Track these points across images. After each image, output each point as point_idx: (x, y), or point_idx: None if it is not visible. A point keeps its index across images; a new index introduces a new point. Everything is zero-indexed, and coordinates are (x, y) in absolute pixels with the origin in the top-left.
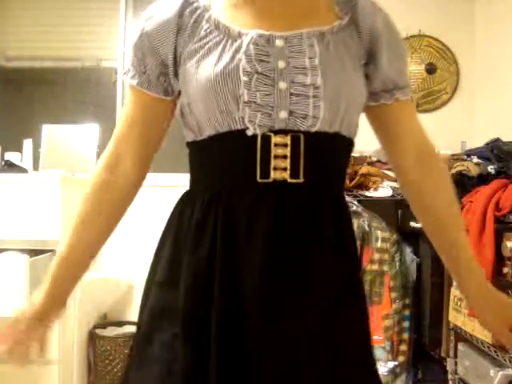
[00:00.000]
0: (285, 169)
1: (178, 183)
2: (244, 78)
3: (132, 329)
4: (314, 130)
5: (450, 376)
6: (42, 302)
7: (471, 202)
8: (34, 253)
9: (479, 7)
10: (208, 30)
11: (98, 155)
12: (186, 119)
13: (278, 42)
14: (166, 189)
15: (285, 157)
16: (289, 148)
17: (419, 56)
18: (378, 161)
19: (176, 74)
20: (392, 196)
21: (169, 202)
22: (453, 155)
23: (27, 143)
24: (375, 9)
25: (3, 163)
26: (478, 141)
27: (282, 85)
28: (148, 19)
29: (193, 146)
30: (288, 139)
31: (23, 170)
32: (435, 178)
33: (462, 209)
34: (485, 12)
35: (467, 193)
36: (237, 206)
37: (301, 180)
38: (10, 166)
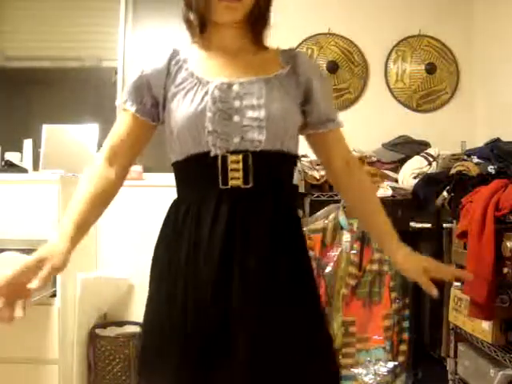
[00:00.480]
0: (238, 178)
1: None
2: (209, 115)
3: (132, 329)
4: (258, 149)
5: (449, 376)
6: (65, 241)
7: (471, 202)
8: (33, 253)
9: (479, 7)
10: (185, 78)
11: None
12: (170, 145)
13: (235, 87)
14: (165, 189)
15: (238, 170)
16: (241, 163)
17: (419, 56)
18: (378, 161)
19: (164, 108)
20: (392, 196)
21: (168, 202)
22: (453, 155)
23: (27, 143)
24: (311, 64)
25: (3, 163)
26: (478, 141)
27: (236, 118)
28: (146, 65)
29: (175, 165)
30: (240, 157)
31: (23, 170)
32: (357, 179)
33: (462, 209)
34: (484, 12)
35: (467, 193)
36: (205, 204)
37: (250, 186)
38: (10, 166)
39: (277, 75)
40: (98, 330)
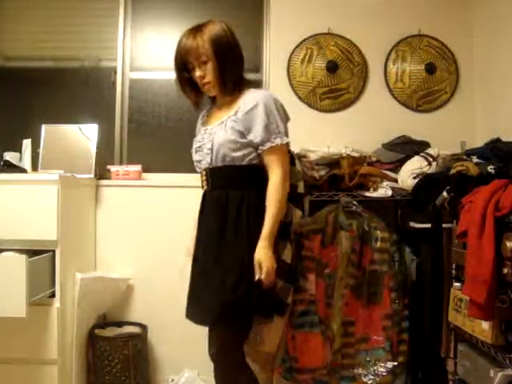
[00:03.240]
0: (206, 185)
1: (177, 184)
2: (194, 147)
3: (131, 329)
4: (210, 167)
5: (449, 376)
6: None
7: (471, 201)
8: (32, 253)
9: (479, 7)
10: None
11: (97, 155)
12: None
13: (208, 130)
14: (165, 189)
15: (206, 180)
16: (206, 176)
17: (419, 56)
18: (378, 161)
19: None
20: (392, 196)
21: (168, 202)
22: (453, 155)
23: (26, 143)
24: (248, 101)
25: (2, 163)
26: (478, 141)
27: (205, 150)
28: None
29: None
30: (205, 172)
31: (22, 170)
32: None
33: (461, 209)
34: (484, 12)
35: (467, 193)
36: (203, 201)
37: (210, 188)
38: (9, 166)
39: (224, 119)
40: (97, 331)
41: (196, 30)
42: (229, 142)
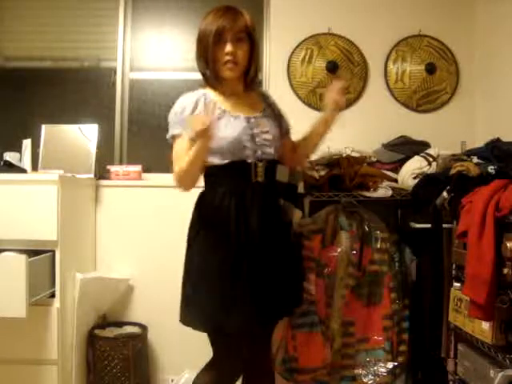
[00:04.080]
0: (261, 176)
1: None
2: (244, 137)
3: (131, 329)
4: (270, 158)
5: (449, 377)
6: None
7: (471, 202)
8: (32, 253)
9: (479, 7)
10: (219, 112)
11: (97, 155)
12: (212, 155)
13: (252, 120)
14: (164, 189)
15: (261, 171)
16: (263, 168)
17: (419, 56)
18: (378, 161)
19: None
20: (392, 196)
21: (168, 202)
22: (453, 155)
23: (26, 143)
24: (271, 96)
25: (2, 163)
26: (478, 141)
27: (258, 139)
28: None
29: (215, 167)
30: (263, 163)
31: (22, 170)
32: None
33: (462, 209)
34: (485, 12)
35: (467, 193)
36: (245, 193)
37: (266, 180)
38: (9, 166)
39: (263, 110)
40: (97, 331)
41: (236, 9)
42: (278, 135)
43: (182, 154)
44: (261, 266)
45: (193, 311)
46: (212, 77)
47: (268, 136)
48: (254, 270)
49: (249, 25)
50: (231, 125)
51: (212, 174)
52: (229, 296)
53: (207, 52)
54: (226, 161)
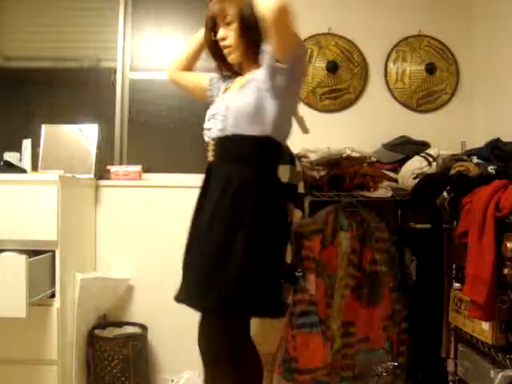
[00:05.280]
0: (212, 156)
1: (177, 184)
2: (209, 116)
3: (131, 329)
4: (222, 136)
5: (449, 377)
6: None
7: (471, 202)
8: (32, 253)
9: (479, 7)
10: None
11: (97, 155)
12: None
13: (225, 96)
14: (165, 189)
15: (213, 150)
16: (214, 146)
17: (419, 56)
18: (378, 161)
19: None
20: (392, 196)
21: (168, 202)
22: (453, 155)
23: (26, 143)
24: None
25: (2, 163)
26: (478, 141)
27: (218, 117)
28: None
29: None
30: (214, 142)
31: (22, 170)
32: None
33: (462, 209)
34: (484, 12)
35: (467, 193)
36: (206, 173)
37: (217, 159)
38: (9, 167)
39: (239, 87)
40: (97, 331)
41: None
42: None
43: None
44: (199, 245)
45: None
46: (228, 69)
47: (223, 111)
48: (193, 250)
49: (232, 6)
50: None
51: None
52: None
53: (210, 47)
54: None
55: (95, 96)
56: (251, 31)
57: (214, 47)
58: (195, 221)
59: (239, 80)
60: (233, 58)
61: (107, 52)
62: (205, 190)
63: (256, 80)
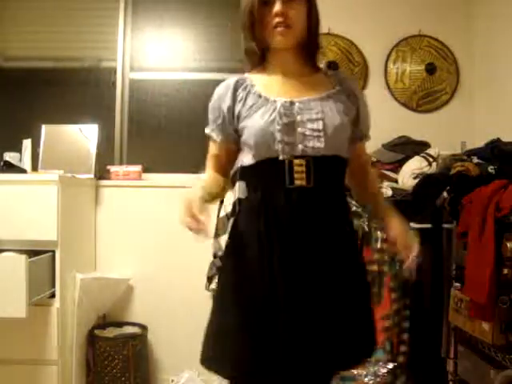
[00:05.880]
0: (302, 179)
1: (177, 184)
2: (277, 127)
3: (131, 329)
4: (318, 155)
5: (449, 377)
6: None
7: (471, 202)
8: (32, 253)
9: (479, 7)
10: (254, 99)
11: (97, 156)
12: (243, 152)
13: (297, 105)
14: (164, 189)
15: (302, 172)
16: (303, 167)
17: (419, 56)
18: (378, 161)
19: (237, 129)
20: (392, 196)
21: (168, 202)
22: (453, 155)
23: (26, 143)
24: (355, 82)
25: (2, 163)
26: (478, 141)
27: (300, 130)
28: (216, 99)
29: (245, 168)
30: (303, 161)
31: (22, 171)
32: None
33: (462, 209)
34: (484, 12)
35: (467, 193)
36: (274, 201)
37: (311, 185)
38: (9, 167)
39: (330, 93)
40: (97, 331)
41: None
42: (345, 126)
43: (210, 159)
44: (306, 295)
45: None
46: (259, 50)
47: (317, 125)
48: (294, 300)
49: None
50: (261, 112)
51: (241, 178)
52: (261, 333)
53: (253, 17)
54: (253, 161)
55: (95, 96)
56: (317, 17)
57: (259, 19)
58: (285, 266)
59: (298, 78)
60: (283, 41)
61: (107, 52)
62: (293, 223)
63: (341, 94)
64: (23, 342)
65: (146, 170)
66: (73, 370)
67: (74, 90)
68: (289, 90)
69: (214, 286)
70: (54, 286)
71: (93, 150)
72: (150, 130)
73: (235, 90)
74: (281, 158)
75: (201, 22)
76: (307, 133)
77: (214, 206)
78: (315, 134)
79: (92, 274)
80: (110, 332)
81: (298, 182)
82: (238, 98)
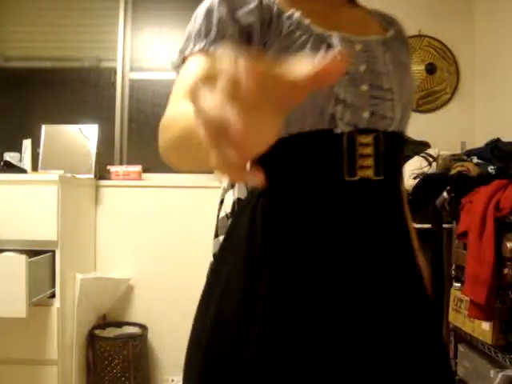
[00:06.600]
0: (369, 166)
1: (177, 184)
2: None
3: (131, 329)
4: (390, 129)
5: None
6: None
7: (471, 202)
8: (32, 253)
9: (479, 7)
10: (291, 29)
11: (97, 156)
12: None
13: (357, 46)
14: (164, 189)
15: (368, 155)
16: (372, 147)
17: (419, 56)
18: None
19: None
20: None
21: (168, 202)
22: (453, 155)
23: (26, 143)
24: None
25: (2, 163)
26: (478, 141)
27: (364, 87)
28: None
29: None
30: (371, 138)
31: (22, 171)
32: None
33: (462, 209)
34: (485, 12)
35: (467, 193)
36: (325, 204)
37: (381, 177)
38: (9, 167)
39: (388, 38)
40: (97, 331)
41: None
42: (413, 85)
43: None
44: (376, 344)
45: None
46: None
47: (388, 82)
48: (361, 353)
49: None
50: (308, 49)
51: (273, 161)
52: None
53: None
54: (284, 135)
55: (95, 96)
56: None
57: None
58: (344, 293)
59: (344, 12)
60: None
61: (107, 52)
62: (355, 228)
63: (399, 41)
64: (23, 342)
65: (145, 170)
66: (73, 370)
67: (74, 90)
68: (338, 21)
69: None
70: (54, 286)
71: (93, 150)
72: (150, 129)
73: (260, 3)
74: (338, 130)
75: None
76: (375, 93)
77: (215, 207)
78: (388, 95)
79: (92, 274)
80: (110, 332)
81: (362, 172)
82: (267, 18)
